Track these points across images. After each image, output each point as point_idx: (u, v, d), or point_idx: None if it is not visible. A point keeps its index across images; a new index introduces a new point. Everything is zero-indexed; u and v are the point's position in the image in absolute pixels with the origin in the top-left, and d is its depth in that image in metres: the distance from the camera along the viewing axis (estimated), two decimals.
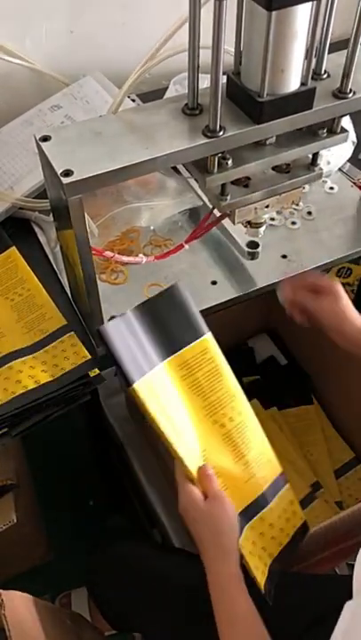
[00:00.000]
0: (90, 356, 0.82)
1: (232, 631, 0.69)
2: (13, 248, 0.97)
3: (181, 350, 0.77)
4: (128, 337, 0.74)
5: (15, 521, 1.08)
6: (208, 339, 0.79)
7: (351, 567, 1.20)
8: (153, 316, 0.76)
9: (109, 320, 0.76)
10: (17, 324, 0.87)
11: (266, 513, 0.79)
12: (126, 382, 0.72)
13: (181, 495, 0.75)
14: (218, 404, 0.78)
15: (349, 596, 0.67)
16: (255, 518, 0.78)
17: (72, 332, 0.85)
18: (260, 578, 0.77)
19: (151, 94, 1.21)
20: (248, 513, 0.77)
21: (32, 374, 0.80)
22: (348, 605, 0.60)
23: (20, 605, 0.83)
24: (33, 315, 0.88)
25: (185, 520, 0.75)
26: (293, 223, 1.03)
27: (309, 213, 1.05)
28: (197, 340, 0.78)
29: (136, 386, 0.72)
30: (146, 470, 1.18)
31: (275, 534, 0.80)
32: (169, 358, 0.76)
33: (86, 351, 0.83)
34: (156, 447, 1.11)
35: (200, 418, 0.77)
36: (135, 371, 0.73)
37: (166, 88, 1.17)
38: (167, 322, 0.77)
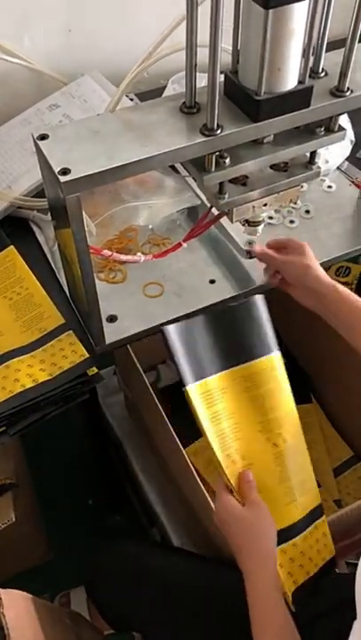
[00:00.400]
0: (88, 355, 0.82)
1: (266, 636, 0.68)
2: (11, 247, 0.97)
3: (249, 363, 0.78)
4: (190, 340, 0.75)
5: (14, 520, 1.08)
6: (277, 357, 0.80)
7: (350, 565, 1.21)
8: (227, 323, 0.78)
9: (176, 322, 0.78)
10: (15, 323, 0.87)
11: (299, 540, 0.79)
12: (181, 383, 0.74)
13: (218, 504, 0.74)
14: (275, 423, 0.79)
15: (348, 595, 0.67)
16: (288, 543, 0.78)
17: (70, 331, 0.85)
18: (287, 581, 0.77)
19: (150, 93, 1.21)
20: (281, 536, 0.77)
21: (30, 373, 0.80)
22: (357, 625, 0.60)
23: (19, 604, 0.83)
24: (31, 313, 0.88)
25: (222, 530, 0.74)
26: (292, 222, 1.03)
27: (308, 212, 1.05)
28: (266, 356, 0.79)
29: (188, 389, 0.74)
30: (145, 469, 1.18)
31: (303, 563, 0.79)
32: (234, 368, 0.77)
33: (84, 350, 0.83)
34: (154, 446, 1.11)
35: (254, 432, 0.78)
36: (191, 374, 0.74)
37: (165, 87, 1.17)
38: (240, 332, 0.79)
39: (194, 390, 0.74)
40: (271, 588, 0.70)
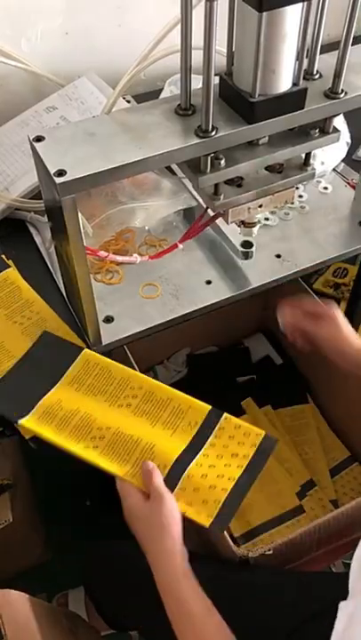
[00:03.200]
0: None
1: (187, 629, 0.68)
2: (12, 269, 0.95)
3: (65, 374, 0.82)
4: (9, 389, 0.82)
5: (11, 520, 1.09)
6: (85, 353, 0.84)
7: (347, 566, 1.21)
8: (30, 363, 0.84)
9: None
10: None
11: (207, 449, 0.78)
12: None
13: (122, 499, 0.74)
14: (117, 392, 0.81)
15: (344, 594, 0.68)
16: (198, 455, 0.77)
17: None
18: (211, 509, 0.74)
19: (147, 95, 1.21)
20: (183, 459, 0.76)
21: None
22: (343, 606, 0.60)
23: (16, 604, 0.83)
24: None
25: (128, 523, 0.74)
26: (287, 223, 1.04)
27: (303, 213, 1.05)
28: (77, 359, 0.83)
29: (23, 422, 0.78)
30: None
31: (228, 462, 0.77)
32: (57, 384, 0.82)
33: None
34: None
35: (105, 410, 0.80)
36: (18, 413, 0.79)
37: (161, 89, 1.17)
38: (45, 360, 0.84)
39: (30, 423, 0.79)
40: (179, 579, 0.69)
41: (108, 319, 0.89)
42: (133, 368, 0.96)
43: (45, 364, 0.83)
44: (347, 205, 1.06)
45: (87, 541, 1.08)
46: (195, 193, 1.00)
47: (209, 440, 0.78)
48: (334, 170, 1.13)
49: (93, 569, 1.00)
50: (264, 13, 0.60)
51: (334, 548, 0.96)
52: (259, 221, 0.89)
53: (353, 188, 1.09)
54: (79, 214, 0.69)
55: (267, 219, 1.03)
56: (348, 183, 1.11)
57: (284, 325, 0.92)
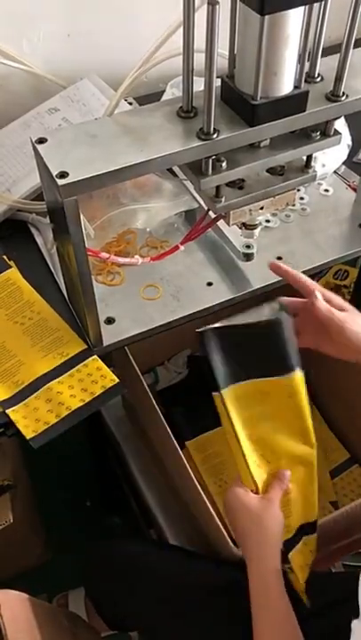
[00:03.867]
0: (118, 380, 0.82)
1: (267, 621, 0.72)
2: (13, 269, 0.95)
3: (290, 374, 0.79)
4: (228, 345, 0.77)
5: (12, 521, 1.09)
6: (297, 376, 0.81)
7: (347, 567, 1.21)
8: (261, 335, 0.78)
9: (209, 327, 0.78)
10: (32, 349, 0.86)
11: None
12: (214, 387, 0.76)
13: (231, 488, 0.77)
14: (308, 430, 0.81)
15: (343, 594, 0.68)
16: (311, 536, 0.82)
17: (95, 356, 0.84)
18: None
19: (149, 97, 1.22)
20: (306, 529, 0.81)
21: (61, 401, 0.80)
22: (356, 625, 0.61)
23: (16, 605, 0.83)
24: (49, 338, 0.87)
25: (228, 516, 0.78)
26: (288, 225, 1.04)
27: (304, 215, 1.05)
28: (295, 372, 0.80)
29: (223, 393, 0.76)
30: (143, 471, 1.18)
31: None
32: (272, 378, 0.78)
33: (113, 374, 0.83)
34: (152, 447, 1.12)
35: (293, 435, 0.80)
36: (223, 379, 0.76)
37: (163, 91, 1.18)
38: (276, 345, 0.78)
39: (228, 394, 0.76)
40: (273, 576, 0.73)
41: (110, 320, 0.89)
42: (134, 368, 0.97)
43: (276, 347, 0.79)
44: (348, 208, 1.07)
45: (87, 542, 1.09)
46: (196, 195, 1.01)
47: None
48: (335, 172, 1.13)
49: (93, 569, 1.01)
50: (266, 16, 0.60)
51: (334, 549, 0.96)
52: (260, 223, 0.89)
53: (354, 190, 1.10)
54: (81, 216, 0.69)
55: (268, 221, 1.03)
56: (349, 185, 1.11)
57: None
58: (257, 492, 0.77)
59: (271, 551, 0.74)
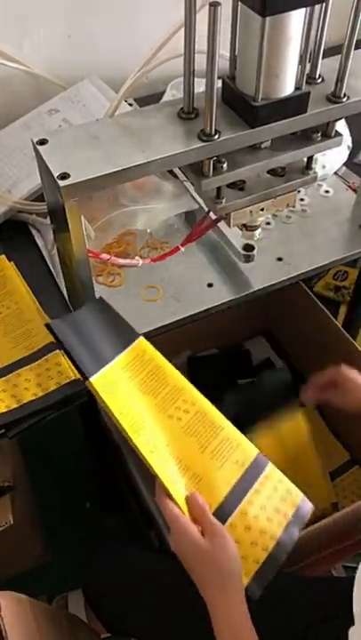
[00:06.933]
0: (74, 377, 0.81)
1: None
2: (2, 257, 0.95)
3: (122, 353, 0.76)
4: (78, 335, 0.74)
5: (12, 522, 1.09)
6: (142, 342, 0.78)
7: (348, 569, 1.21)
8: (93, 320, 0.77)
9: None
10: (3, 339, 0.86)
11: (252, 495, 0.74)
12: (83, 376, 0.72)
13: (174, 532, 0.68)
14: (169, 399, 0.76)
15: (346, 600, 0.68)
16: (244, 501, 0.73)
17: (57, 351, 0.83)
18: (250, 567, 0.70)
19: (149, 99, 1.21)
20: (231, 500, 0.73)
21: (14, 393, 0.80)
22: (353, 632, 0.60)
23: (16, 606, 0.83)
24: (20, 330, 0.87)
25: (181, 559, 0.69)
26: (289, 226, 1.04)
27: (305, 216, 1.05)
28: (134, 343, 0.78)
29: (93, 380, 0.71)
30: (142, 472, 1.18)
31: (270, 516, 0.74)
32: (116, 359, 0.76)
33: (70, 372, 0.81)
34: None
35: (155, 415, 0.75)
36: (90, 366, 0.72)
37: (164, 92, 1.18)
38: (103, 328, 0.77)
39: (99, 381, 0.72)
40: (239, 618, 0.67)
41: None
42: None
43: (103, 331, 0.77)
44: (348, 209, 1.07)
45: (87, 544, 1.08)
46: (196, 196, 1.00)
47: (254, 486, 0.74)
48: (336, 173, 1.13)
49: (93, 575, 1.00)
50: (267, 18, 0.60)
51: (335, 551, 0.96)
52: (260, 225, 0.89)
53: (354, 191, 1.10)
54: (81, 217, 0.69)
55: (268, 222, 1.03)
56: (350, 187, 1.11)
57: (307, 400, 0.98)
58: (156, 477, 0.70)
59: (235, 598, 0.67)
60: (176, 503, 0.68)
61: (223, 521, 0.70)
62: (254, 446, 0.77)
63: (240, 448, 0.76)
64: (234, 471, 0.74)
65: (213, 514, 0.69)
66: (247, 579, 0.69)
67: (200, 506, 0.68)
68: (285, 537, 0.72)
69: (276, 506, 0.74)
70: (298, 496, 0.76)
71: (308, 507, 0.76)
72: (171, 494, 0.68)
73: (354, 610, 0.61)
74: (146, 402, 0.75)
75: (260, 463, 0.76)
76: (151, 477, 1.05)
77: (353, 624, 0.60)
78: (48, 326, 0.73)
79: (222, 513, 0.70)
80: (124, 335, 0.78)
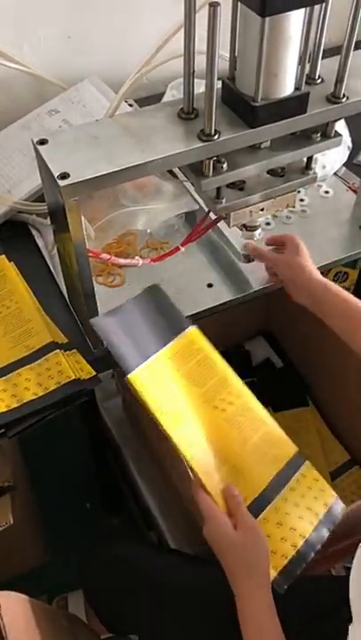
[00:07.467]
0: (74, 377, 0.81)
1: None
2: (3, 257, 0.95)
3: (170, 343, 0.77)
4: (121, 329, 0.75)
5: (12, 522, 1.09)
6: (193, 331, 0.80)
7: (348, 569, 1.21)
8: (139, 312, 0.78)
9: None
10: (3, 338, 0.86)
11: (287, 492, 0.76)
12: (123, 373, 0.73)
13: (208, 523, 0.70)
14: (215, 391, 0.77)
15: (346, 598, 0.68)
16: (278, 497, 0.75)
17: (57, 351, 0.83)
18: (278, 562, 0.72)
19: (149, 99, 1.22)
20: (266, 495, 0.74)
21: (14, 393, 0.79)
22: (353, 630, 0.60)
23: (16, 606, 0.83)
24: (20, 329, 0.87)
25: (213, 550, 0.71)
26: (289, 226, 1.04)
27: (305, 217, 1.06)
28: (186, 331, 0.79)
29: (131, 376, 0.73)
30: (143, 473, 1.18)
31: (302, 514, 0.76)
32: (162, 350, 0.77)
33: (70, 371, 0.81)
34: (153, 449, 1.12)
35: (200, 406, 0.76)
36: (131, 361, 0.74)
37: (164, 93, 1.18)
38: (152, 318, 0.78)
39: (138, 377, 0.73)
40: (264, 609, 0.69)
41: None
42: None
43: (152, 322, 0.78)
44: (348, 209, 1.07)
45: (87, 544, 1.08)
46: (196, 196, 1.01)
47: (289, 483, 0.76)
48: (335, 174, 1.13)
49: (92, 572, 1.00)
50: (267, 18, 0.61)
51: (335, 550, 0.96)
52: (260, 225, 0.89)
53: (354, 192, 1.10)
54: (82, 217, 0.69)
55: (268, 223, 1.03)
56: (350, 187, 1.11)
57: (248, 251, 0.93)
58: (192, 470, 0.71)
59: (263, 590, 0.69)
60: (211, 496, 0.70)
61: (256, 515, 0.72)
62: (293, 444, 0.78)
63: (280, 444, 0.78)
64: (271, 467, 0.76)
65: (248, 507, 0.71)
66: (275, 572, 0.71)
67: (235, 498, 0.71)
68: (315, 536, 0.74)
69: (309, 504, 0.76)
70: (332, 496, 0.78)
71: (340, 507, 0.78)
72: (206, 487, 0.71)
73: (352, 607, 0.62)
74: (191, 392, 0.76)
75: (298, 461, 0.78)
76: (152, 477, 1.06)
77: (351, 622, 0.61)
78: (90, 323, 0.75)
79: (256, 507, 0.72)
80: (173, 324, 0.79)
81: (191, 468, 0.71)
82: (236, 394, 0.78)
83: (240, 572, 0.70)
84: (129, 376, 0.73)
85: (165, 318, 0.79)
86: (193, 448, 0.72)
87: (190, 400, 0.76)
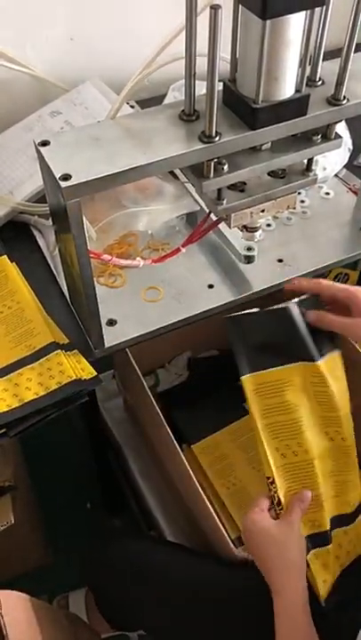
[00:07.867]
0: (75, 377, 0.81)
1: None
2: (4, 257, 0.96)
3: (318, 361, 0.77)
4: (251, 332, 0.78)
5: (13, 522, 1.09)
6: (338, 357, 0.80)
7: None
8: (282, 322, 0.78)
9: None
10: (4, 338, 0.86)
11: (350, 528, 0.81)
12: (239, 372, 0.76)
13: (247, 518, 0.75)
14: (336, 421, 0.79)
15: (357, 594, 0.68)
16: (338, 529, 0.81)
17: (59, 351, 0.83)
18: (322, 588, 0.78)
19: (151, 101, 1.22)
20: (321, 536, 0.79)
21: (16, 392, 0.80)
22: None
23: (17, 605, 0.84)
24: (21, 329, 0.87)
25: (247, 540, 0.76)
26: (289, 228, 1.04)
27: (305, 218, 1.06)
28: (330, 355, 0.79)
29: (244, 379, 0.76)
30: (143, 473, 1.18)
31: (350, 549, 0.82)
32: (296, 364, 0.77)
33: (72, 371, 0.81)
34: (153, 450, 1.12)
35: (313, 429, 0.78)
36: (247, 365, 0.76)
37: (165, 95, 1.18)
38: (297, 332, 0.77)
39: (248, 381, 0.76)
40: (300, 601, 0.71)
41: (111, 322, 0.90)
42: (135, 370, 0.97)
43: (297, 334, 0.77)
44: (348, 211, 1.07)
45: (88, 544, 1.09)
46: (197, 197, 1.01)
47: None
48: (336, 176, 1.13)
49: (95, 567, 1.00)
50: (268, 21, 0.61)
51: None
52: (261, 226, 0.89)
53: (354, 193, 1.10)
54: (83, 218, 0.70)
55: (269, 224, 1.04)
56: (350, 189, 1.12)
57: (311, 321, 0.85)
58: (273, 482, 0.75)
59: (296, 582, 0.72)
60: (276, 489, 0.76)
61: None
62: None
63: (355, 492, 0.82)
64: (345, 505, 0.82)
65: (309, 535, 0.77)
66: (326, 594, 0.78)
67: (302, 502, 0.75)
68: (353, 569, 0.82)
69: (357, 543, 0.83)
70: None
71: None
72: (270, 464, 0.76)
73: None
74: (310, 415, 0.78)
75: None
76: (153, 478, 1.06)
77: None
78: (229, 318, 0.77)
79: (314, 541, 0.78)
80: (324, 343, 0.78)
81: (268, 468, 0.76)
82: (349, 433, 0.80)
83: (274, 562, 0.73)
84: (242, 378, 0.76)
85: (308, 337, 0.77)
86: (283, 459, 0.77)
87: (307, 422, 0.77)
